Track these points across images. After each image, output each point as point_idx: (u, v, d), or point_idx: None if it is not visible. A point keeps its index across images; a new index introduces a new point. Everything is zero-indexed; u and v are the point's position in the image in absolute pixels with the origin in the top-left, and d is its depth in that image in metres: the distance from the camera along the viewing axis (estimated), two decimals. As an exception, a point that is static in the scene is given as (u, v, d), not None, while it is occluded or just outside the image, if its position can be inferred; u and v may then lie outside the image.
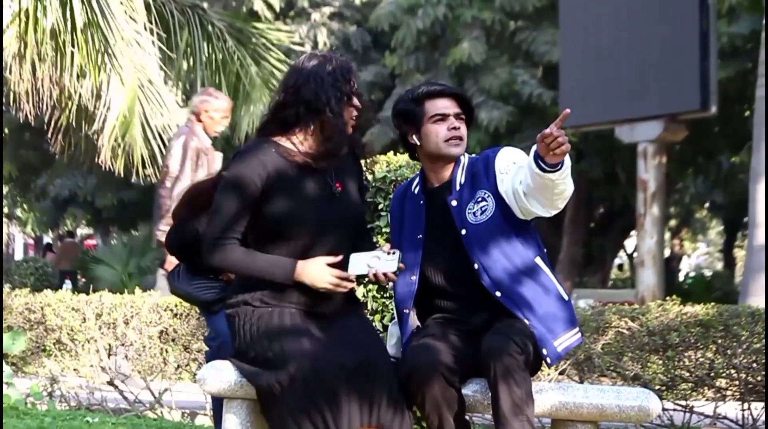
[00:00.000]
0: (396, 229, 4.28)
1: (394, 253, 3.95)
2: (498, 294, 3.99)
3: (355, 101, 4.05)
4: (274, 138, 4.03)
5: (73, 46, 8.20)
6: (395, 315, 4.29)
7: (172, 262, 5.52)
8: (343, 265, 3.93)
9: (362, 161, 4.39)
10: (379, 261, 3.92)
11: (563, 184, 3.85)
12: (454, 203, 4.11)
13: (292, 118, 3.99)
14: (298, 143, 4.03)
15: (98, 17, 8.13)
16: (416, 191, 4.26)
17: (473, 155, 4.26)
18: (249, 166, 3.93)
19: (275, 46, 10.52)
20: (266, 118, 4.09)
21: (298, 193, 3.97)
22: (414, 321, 4.16)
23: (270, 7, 22.70)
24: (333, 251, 3.95)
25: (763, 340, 6.80)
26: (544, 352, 3.94)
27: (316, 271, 3.91)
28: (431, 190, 4.23)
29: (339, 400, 3.71)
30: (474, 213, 4.07)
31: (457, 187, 4.14)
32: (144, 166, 8.84)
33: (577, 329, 4.07)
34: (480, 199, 4.08)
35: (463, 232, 4.06)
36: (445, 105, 4.17)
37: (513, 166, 4.05)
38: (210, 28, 9.86)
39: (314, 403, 3.72)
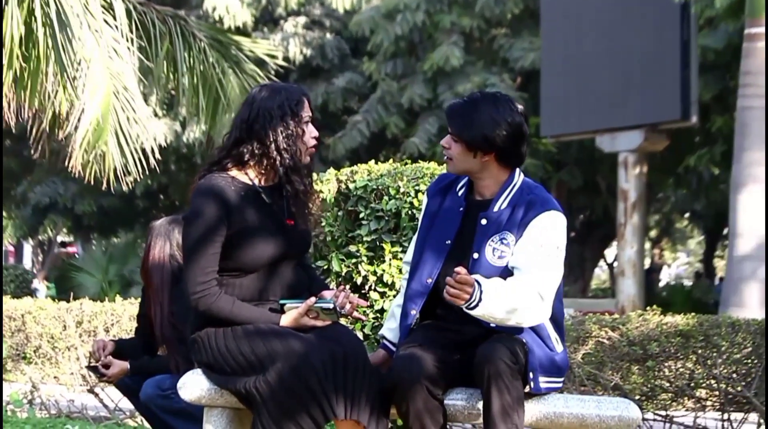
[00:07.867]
0: (425, 225, 4.21)
1: (330, 304, 3.98)
2: (493, 325, 3.95)
3: (311, 129, 4.09)
4: (231, 172, 4.08)
5: (37, 59, 8.12)
6: (399, 300, 4.28)
7: None
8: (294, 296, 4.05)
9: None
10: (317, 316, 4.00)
11: (500, 320, 3.86)
12: (483, 222, 4.05)
13: (247, 154, 4.05)
14: (254, 178, 4.09)
15: (60, 28, 8.03)
16: (460, 193, 4.19)
17: (530, 180, 4.17)
18: (212, 204, 3.97)
19: (252, 58, 10.49)
20: (222, 153, 4.11)
21: (255, 228, 4.02)
22: (415, 321, 4.17)
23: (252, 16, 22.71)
24: (285, 282, 4.06)
25: (744, 351, 6.82)
26: (531, 375, 3.92)
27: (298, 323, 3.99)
28: (472, 201, 4.17)
29: (318, 397, 3.76)
30: (494, 249, 4.01)
31: (495, 208, 4.06)
32: (115, 174, 8.67)
33: (562, 379, 4.07)
34: (506, 243, 4.01)
35: (475, 256, 4.02)
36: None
37: (540, 250, 3.97)
38: (191, 38, 9.81)
39: (295, 404, 3.77)
